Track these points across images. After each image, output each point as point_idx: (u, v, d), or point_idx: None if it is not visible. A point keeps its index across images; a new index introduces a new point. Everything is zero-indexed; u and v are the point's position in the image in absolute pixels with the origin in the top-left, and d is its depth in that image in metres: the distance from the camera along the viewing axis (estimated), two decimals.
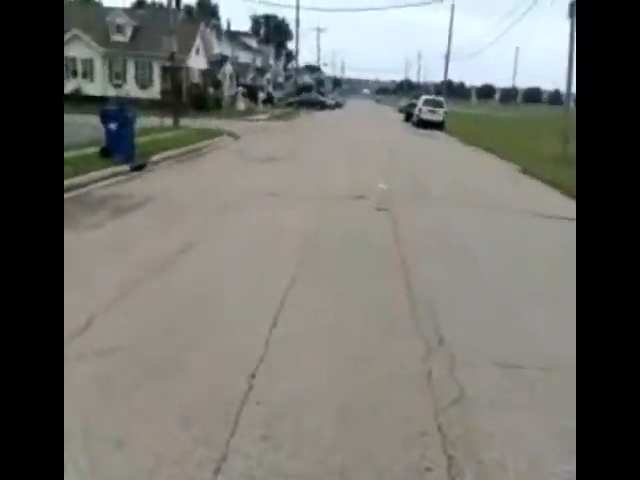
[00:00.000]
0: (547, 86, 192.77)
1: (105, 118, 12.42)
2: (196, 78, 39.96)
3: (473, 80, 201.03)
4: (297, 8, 52.67)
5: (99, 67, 37.37)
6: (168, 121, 22.45)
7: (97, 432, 2.94)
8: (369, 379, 3.66)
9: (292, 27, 65.31)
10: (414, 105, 40.82)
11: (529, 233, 8.69)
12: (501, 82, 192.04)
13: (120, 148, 12.11)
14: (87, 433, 2.92)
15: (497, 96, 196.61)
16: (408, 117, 42.24)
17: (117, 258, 6.02)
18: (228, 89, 47.07)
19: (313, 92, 64.37)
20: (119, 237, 6.90)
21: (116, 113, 12.56)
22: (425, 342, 4.23)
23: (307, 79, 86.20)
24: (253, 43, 69.83)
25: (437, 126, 33.51)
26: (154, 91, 36.75)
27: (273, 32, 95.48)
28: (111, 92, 35.87)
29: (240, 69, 53.34)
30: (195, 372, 3.63)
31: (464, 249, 7.23)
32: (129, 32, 38.44)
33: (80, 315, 4.26)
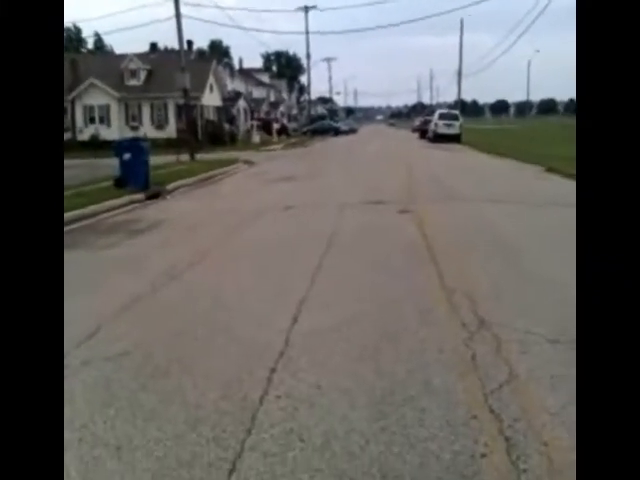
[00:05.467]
0: (562, 97, 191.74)
1: (118, 150, 12.42)
2: (211, 115, 40.49)
3: (486, 97, 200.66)
4: (307, 33, 53.55)
5: (115, 112, 38.14)
6: (184, 157, 22.55)
7: None
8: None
9: (303, 61, 66.38)
10: (428, 122, 40.56)
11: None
12: (515, 96, 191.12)
13: (134, 177, 12.03)
14: None
15: (512, 110, 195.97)
16: (423, 134, 41.91)
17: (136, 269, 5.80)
18: (243, 123, 47.61)
19: (327, 119, 64.72)
20: (136, 252, 6.76)
21: (129, 143, 12.59)
22: None
23: (320, 110, 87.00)
24: (265, 78, 70.87)
25: (454, 139, 33.09)
26: (170, 130, 37.25)
27: (285, 67, 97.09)
28: (128, 135, 36.47)
29: (254, 104, 54.06)
30: None
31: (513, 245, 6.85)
32: (143, 76, 39.23)
33: None
